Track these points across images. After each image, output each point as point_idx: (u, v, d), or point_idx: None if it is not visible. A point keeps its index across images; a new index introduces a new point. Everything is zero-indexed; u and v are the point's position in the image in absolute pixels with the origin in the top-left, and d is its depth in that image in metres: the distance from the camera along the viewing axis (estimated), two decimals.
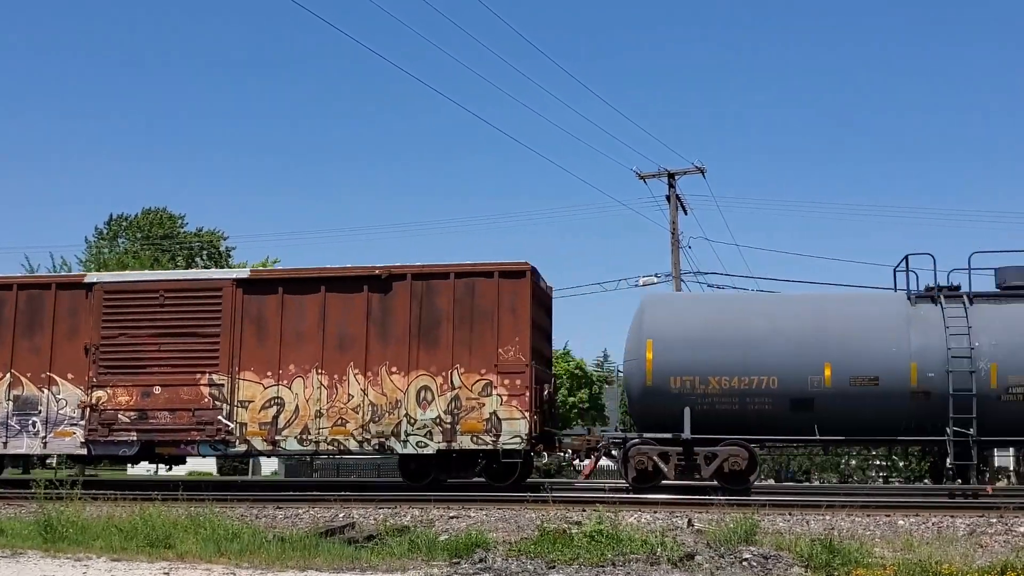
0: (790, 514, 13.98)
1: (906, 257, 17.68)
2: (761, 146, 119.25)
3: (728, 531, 11.91)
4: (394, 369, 17.71)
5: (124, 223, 56.62)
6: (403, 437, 17.54)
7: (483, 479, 18.16)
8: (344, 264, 18.49)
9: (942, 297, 17.20)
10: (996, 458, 28.63)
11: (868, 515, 13.92)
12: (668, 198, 35.30)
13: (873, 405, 16.61)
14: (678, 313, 17.96)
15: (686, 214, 35.49)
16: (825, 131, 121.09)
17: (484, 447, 17.40)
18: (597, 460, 20.15)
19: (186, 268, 56.51)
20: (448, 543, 12.03)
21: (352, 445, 17.79)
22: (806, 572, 10.57)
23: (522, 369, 17.33)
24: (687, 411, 16.92)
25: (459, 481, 18.10)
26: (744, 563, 10.81)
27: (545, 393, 18.09)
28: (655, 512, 14.32)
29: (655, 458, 16.98)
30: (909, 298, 17.43)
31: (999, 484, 26.06)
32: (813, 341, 16.95)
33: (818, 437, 16.96)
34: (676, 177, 35.28)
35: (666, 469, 16.92)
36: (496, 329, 17.48)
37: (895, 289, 17.92)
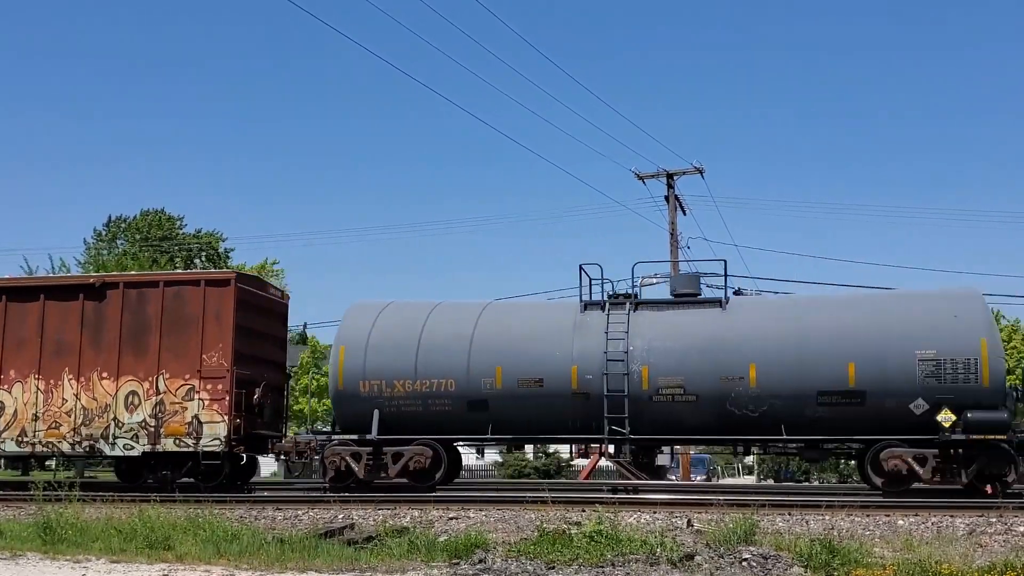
0: (789, 514, 13.97)
1: (580, 267, 18.48)
2: (760, 146, 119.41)
3: (728, 531, 11.90)
4: (105, 374, 18.63)
5: (123, 225, 56.63)
6: (111, 440, 18.46)
7: (191, 480, 18.69)
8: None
9: (608, 304, 18.01)
10: None
11: (867, 515, 13.91)
12: (667, 198, 35.30)
13: (539, 405, 17.45)
14: (370, 320, 18.71)
15: (685, 214, 35.50)
16: (825, 131, 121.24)
17: (186, 449, 18.24)
18: (596, 461, 20.23)
19: (185, 269, 56.59)
20: (447, 544, 12.03)
21: (65, 447, 18.73)
22: (806, 572, 10.57)
23: (223, 374, 18.25)
24: (376, 413, 17.80)
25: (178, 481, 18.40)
26: (744, 563, 10.80)
27: (256, 397, 18.79)
28: (654, 512, 14.32)
29: (347, 458, 17.73)
30: (581, 305, 18.24)
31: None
32: (487, 346, 17.82)
33: (491, 436, 17.97)
34: (675, 177, 35.28)
35: (357, 468, 17.66)
36: (201, 336, 18.43)
37: (589, 298, 18.57)
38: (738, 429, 17.10)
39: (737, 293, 18.44)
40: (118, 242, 55.68)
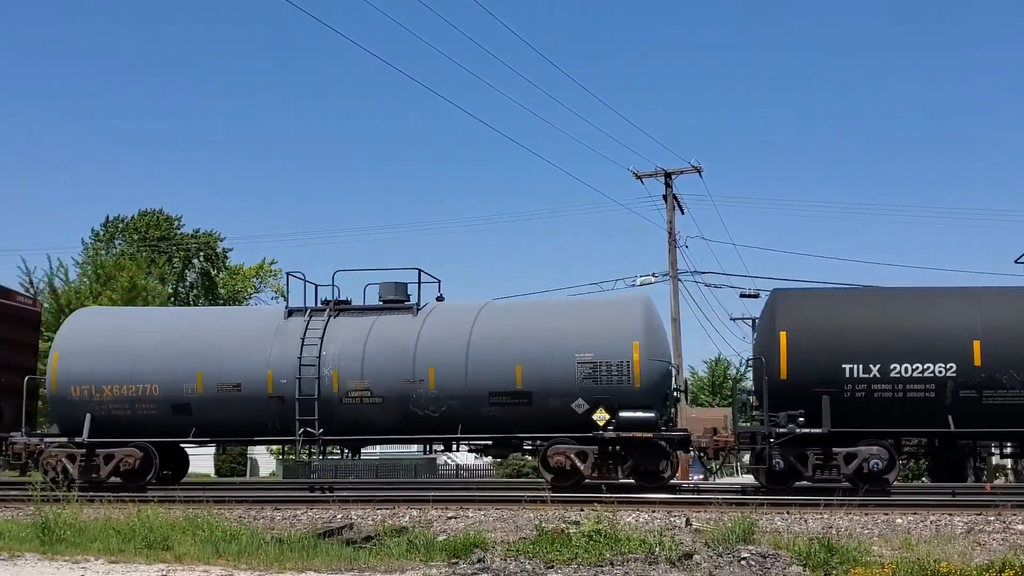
0: (788, 513, 13.98)
1: (287, 274, 19.49)
2: (758, 145, 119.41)
3: (726, 530, 11.89)
4: None
5: (120, 225, 56.57)
6: None
7: None
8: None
9: (310, 311, 19.03)
10: (994, 456, 28.65)
11: (866, 514, 13.93)
12: (665, 197, 35.35)
13: (239, 409, 18.43)
14: (83, 327, 19.78)
15: (683, 213, 35.58)
16: (823, 130, 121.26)
17: None
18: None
19: (183, 270, 56.54)
20: (446, 543, 12.02)
21: None
22: (804, 571, 10.57)
23: None
24: (87, 416, 18.64)
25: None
26: (742, 562, 10.80)
27: None
28: (653, 512, 14.32)
29: (64, 459, 18.56)
30: (286, 311, 19.30)
31: (997, 482, 26.12)
32: (189, 352, 18.78)
33: (193, 439, 18.96)
34: (673, 176, 35.35)
35: (72, 469, 18.45)
36: None
37: (315, 302, 19.47)
38: (422, 429, 18.18)
39: (439, 299, 19.53)
40: (116, 242, 55.63)
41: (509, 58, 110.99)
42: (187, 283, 56.26)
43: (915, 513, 13.96)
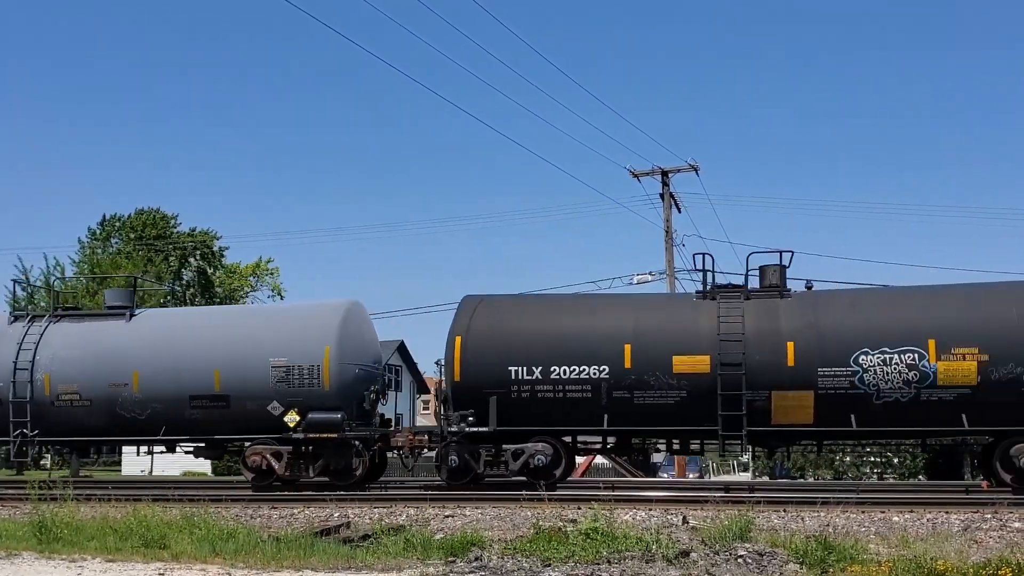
0: (785, 511, 13.99)
1: (13, 281, 21.52)
2: (756, 144, 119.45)
3: (723, 528, 11.90)
4: None
5: (117, 223, 56.46)
6: None
7: None
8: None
9: (31, 317, 20.07)
10: None
11: (863, 512, 13.94)
12: (662, 196, 35.34)
13: None
14: None
15: (679, 212, 35.56)
16: (822, 130, 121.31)
17: None
18: (592, 459, 20.21)
19: (179, 268, 56.47)
20: (443, 542, 12.02)
21: None
22: (801, 569, 10.57)
23: None
24: None
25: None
26: (739, 560, 10.80)
27: None
28: (650, 510, 14.33)
29: None
30: (10, 317, 20.12)
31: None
32: None
33: None
34: (670, 175, 35.32)
35: None
36: None
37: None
38: (129, 431, 19.06)
39: (163, 306, 20.10)
40: (112, 241, 55.57)
41: (507, 57, 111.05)
42: (183, 281, 56.15)
43: (912, 511, 13.98)
